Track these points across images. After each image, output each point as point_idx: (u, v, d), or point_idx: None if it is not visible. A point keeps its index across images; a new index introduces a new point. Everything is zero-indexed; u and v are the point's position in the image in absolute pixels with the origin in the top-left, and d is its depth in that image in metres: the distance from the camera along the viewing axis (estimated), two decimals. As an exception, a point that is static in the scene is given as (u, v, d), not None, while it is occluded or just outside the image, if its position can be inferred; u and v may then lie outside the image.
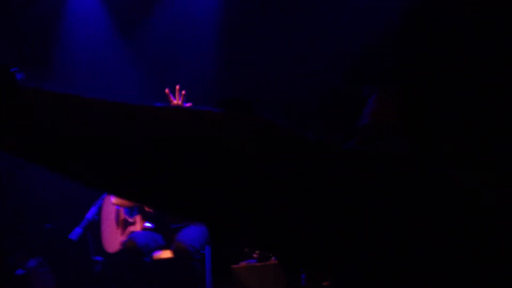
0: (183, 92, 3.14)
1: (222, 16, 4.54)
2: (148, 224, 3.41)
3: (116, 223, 3.73)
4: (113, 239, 3.70)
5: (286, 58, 4.34)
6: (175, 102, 3.14)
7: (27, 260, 3.60)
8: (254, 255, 3.24)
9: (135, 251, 3.17)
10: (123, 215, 3.66)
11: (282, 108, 4.36)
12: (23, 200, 4.19)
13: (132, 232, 3.45)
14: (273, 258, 3.10)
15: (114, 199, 3.61)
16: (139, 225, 3.43)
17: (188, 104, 3.16)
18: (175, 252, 3.17)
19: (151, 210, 3.29)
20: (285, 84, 4.32)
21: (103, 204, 3.67)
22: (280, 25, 4.36)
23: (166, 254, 3.31)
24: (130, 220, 3.54)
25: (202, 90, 4.50)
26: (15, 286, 3.54)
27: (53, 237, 4.01)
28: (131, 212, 3.60)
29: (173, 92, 3.10)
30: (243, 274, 3.18)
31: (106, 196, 3.40)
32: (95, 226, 3.59)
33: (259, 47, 4.44)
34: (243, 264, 3.24)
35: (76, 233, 3.02)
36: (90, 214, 3.18)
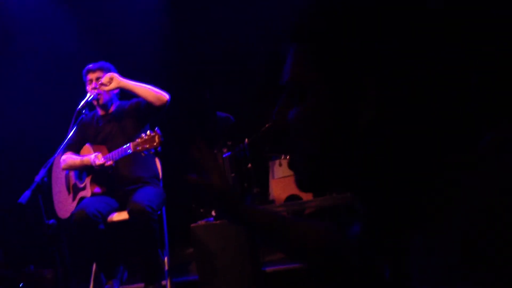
0: None
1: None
2: (98, 190, 3.33)
3: (67, 188, 3.43)
4: (64, 205, 3.40)
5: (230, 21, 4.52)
6: None
7: None
8: (212, 214, 3.34)
9: (87, 221, 3.03)
10: (73, 179, 3.40)
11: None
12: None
13: (82, 199, 3.30)
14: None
15: (63, 165, 3.33)
16: (89, 189, 3.28)
17: None
18: (131, 213, 3.06)
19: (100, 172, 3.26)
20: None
21: (52, 167, 3.34)
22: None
23: (122, 215, 3.23)
24: (80, 185, 3.35)
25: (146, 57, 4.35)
26: None
27: None
28: (80, 176, 3.40)
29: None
30: (201, 232, 3.21)
31: (55, 158, 3.19)
32: (46, 188, 3.25)
33: (205, 20, 4.55)
34: (201, 223, 3.28)
35: (25, 196, 2.94)
36: (39, 176, 3.01)
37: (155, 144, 3.01)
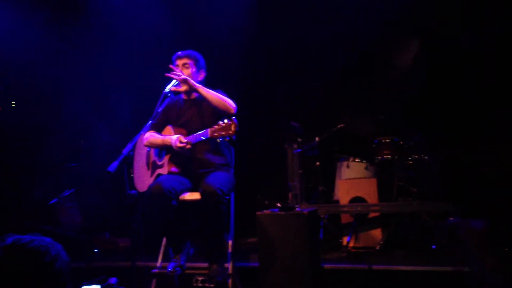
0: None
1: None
2: (174, 169, 3.50)
3: (147, 163, 3.68)
4: (143, 179, 3.65)
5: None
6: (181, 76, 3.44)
7: (61, 192, 3.28)
8: (278, 205, 3.40)
9: (162, 195, 3.23)
10: (153, 156, 3.65)
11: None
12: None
13: (159, 175, 3.52)
14: (297, 208, 3.35)
15: (145, 142, 3.57)
16: (166, 168, 3.48)
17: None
18: (203, 194, 3.21)
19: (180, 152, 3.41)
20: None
21: (137, 142, 3.58)
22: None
23: (194, 195, 3.40)
24: (159, 162, 3.57)
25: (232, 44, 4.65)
26: (46, 215, 3.15)
27: (82, 174, 3.72)
28: (160, 154, 3.63)
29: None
30: (266, 221, 3.31)
31: (141, 135, 3.42)
32: (131, 161, 3.53)
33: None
34: (267, 212, 3.38)
35: (113, 166, 3.12)
36: (126, 149, 3.18)
37: (230, 132, 3.14)
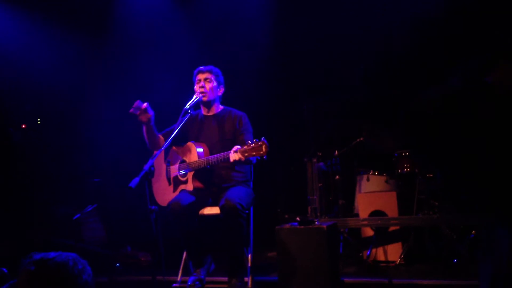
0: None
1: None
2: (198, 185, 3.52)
3: (167, 179, 3.73)
4: (164, 194, 3.71)
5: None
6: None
7: (84, 207, 3.38)
8: (297, 218, 3.36)
9: (180, 212, 3.31)
10: (174, 172, 3.70)
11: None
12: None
13: (183, 191, 3.58)
14: (316, 222, 3.30)
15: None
16: (191, 184, 3.52)
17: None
18: (223, 208, 3.26)
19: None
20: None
21: (157, 158, 3.64)
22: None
23: (214, 210, 3.47)
24: (182, 178, 3.62)
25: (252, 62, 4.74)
26: (70, 230, 3.24)
27: (105, 189, 3.82)
28: (182, 170, 3.64)
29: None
30: (286, 235, 3.31)
31: (161, 151, 3.46)
32: (152, 177, 3.57)
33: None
34: (286, 226, 3.38)
35: (134, 181, 3.14)
36: (147, 165, 3.19)
37: (262, 152, 3.11)
